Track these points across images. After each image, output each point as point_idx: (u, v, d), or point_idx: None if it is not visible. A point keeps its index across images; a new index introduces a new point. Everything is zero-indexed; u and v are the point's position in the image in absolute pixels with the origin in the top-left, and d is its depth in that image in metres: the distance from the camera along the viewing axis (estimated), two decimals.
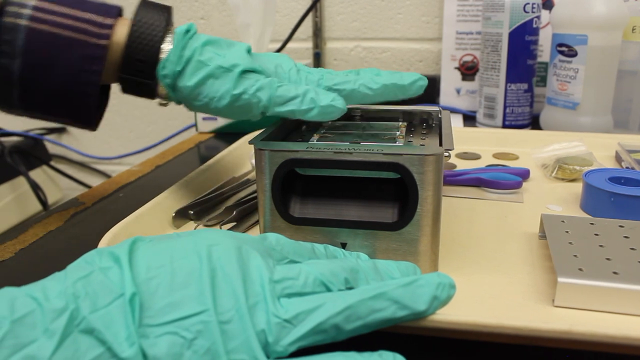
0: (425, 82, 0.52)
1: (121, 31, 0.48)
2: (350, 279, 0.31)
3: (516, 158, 0.70)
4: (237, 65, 0.48)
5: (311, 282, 0.31)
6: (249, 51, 0.50)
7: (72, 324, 0.26)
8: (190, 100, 0.49)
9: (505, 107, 0.86)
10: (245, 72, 0.48)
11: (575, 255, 0.39)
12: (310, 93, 0.47)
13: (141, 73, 0.49)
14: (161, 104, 0.52)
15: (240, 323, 0.28)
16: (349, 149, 0.40)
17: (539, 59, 0.93)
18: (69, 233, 0.54)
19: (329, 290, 0.31)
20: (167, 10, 0.50)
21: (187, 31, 0.49)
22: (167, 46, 0.48)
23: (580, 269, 0.37)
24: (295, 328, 0.29)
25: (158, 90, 0.50)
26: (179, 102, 0.51)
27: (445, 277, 0.31)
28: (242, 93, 0.47)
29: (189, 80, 0.48)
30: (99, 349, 0.26)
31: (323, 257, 0.36)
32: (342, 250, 0.38)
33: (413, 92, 0.51)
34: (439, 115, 0.53)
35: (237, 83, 0.47)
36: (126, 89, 0.51)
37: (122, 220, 0.47)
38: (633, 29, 0.78)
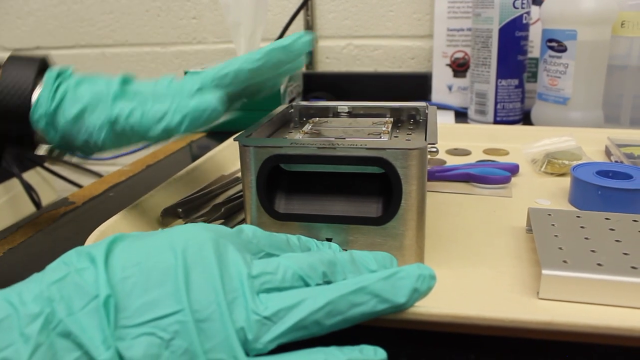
0: (309, 36, 0.48)
1: None
2: (328, 273, 0.31)
3: (506, 153, 0.70)
4: (110, 94, 0.45)
5: (289, 277, 0.30)
6: (124, 81, 0.47)
7: (47, 327, 0.26)
8: (72, 138, 0.46)
9: (496, 103, 0.86)
10: (117, 99, 0.45)
11: (560, 248, 0.39)
12: (174, 104, 0.44)
13: (15, 124, 0.46)
14: (49, 156, 0.49)
15: (219, 321, 0.28)
16: (332, 144, 0.40)
17: (530, 55, 0.93)
18: (59, 233, 0.53)
19: (307, 284, 0.31)
20: (38, 61, 0.48)
21: (60, 74, 0.46)
22: (38, 91, 0.46)
23: (564, 261, 0.37)
24: (275, 325, 0.28)
25: (35, 138, 0.47)
26: (61, 148, 0.48)
27: (425, 269, 0.31)
28: (117, 119, 0.44)
29: (68, 114, 0.45)
30: (76, 352, 0.26)
31: (297, 249, 0.35)
32: (315, 240, 0.37)
33: (298, 49, 0.48)
34: (426, 111, 0.53)
35: (112, 111, 0.45)
36: (5, 147, 0.49)
37: (110, 219, 0.46)
38: (622, 24, 0.78)
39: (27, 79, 0.46)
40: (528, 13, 0.83)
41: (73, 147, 0.47)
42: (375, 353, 0.29)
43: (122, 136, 0.45)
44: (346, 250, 0.36)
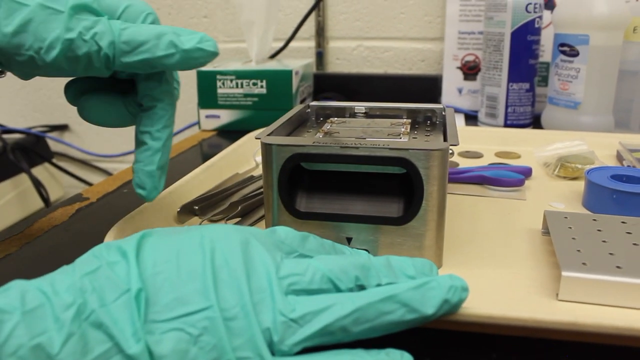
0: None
1: None
2: (361, 277, 0.31)
3: (518, 157, 0.71)
4: (65, 3, 0.37)
5: (318, 279, 0.30)
6: None
7: (79, 317, 0.26)
8: (11, 57, 0.37)
9: (507, 107, 0.86)
10: (77, 10, 0.37)
11: (578, 250, 0.40)
12: (169, 35, 0.38)
13: None
14: None
15: (245, 320, 0.28)
16: (355, 143, 0.40)
17: (541, 59, 0.93)
18: (74, 228, 0.54)
19: (337, 287, 0.30)
20: None
21: None
22: None
23: (583, 263, 0.38)
24: (301, 328, 0.28)
25: None
26: None
27: (458, 280, 0.31)
28: (76, 38, 0.37)
29: (3, 27, 0.36)
30: (108, 343, 0.26)
31: (332, 252, 0.35)
32: (348, 247, 0.37)
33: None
34: (443, 113, 0.53)
35: (69, 25, 0.37)
36: None
37: (127, 215, 0.47)
38: (634, 30, 0.79)
39: None
40: (540, 17, 0.83)
41: (14, 67, 0.39)
42: (402, 357, 0.30)
43: (77, 60, 0.38)
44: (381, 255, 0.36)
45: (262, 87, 0.88)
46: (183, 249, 0.30)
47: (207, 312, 0.28)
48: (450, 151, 0.56)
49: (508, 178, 0.58)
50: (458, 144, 0.40)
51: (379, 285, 0.31)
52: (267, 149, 0.41)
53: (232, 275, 0.29)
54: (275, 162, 0.41)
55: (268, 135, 0.43)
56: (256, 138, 0.42)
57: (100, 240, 0.43)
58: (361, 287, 0.31)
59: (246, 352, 0.28)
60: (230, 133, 0.90)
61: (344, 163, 0.40)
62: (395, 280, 0.32)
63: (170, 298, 0.28)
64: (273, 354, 0.28)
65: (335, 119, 0.54)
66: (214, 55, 0.40)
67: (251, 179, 0.60)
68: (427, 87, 1.04)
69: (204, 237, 0.31)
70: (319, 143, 0.41)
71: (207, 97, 0.91)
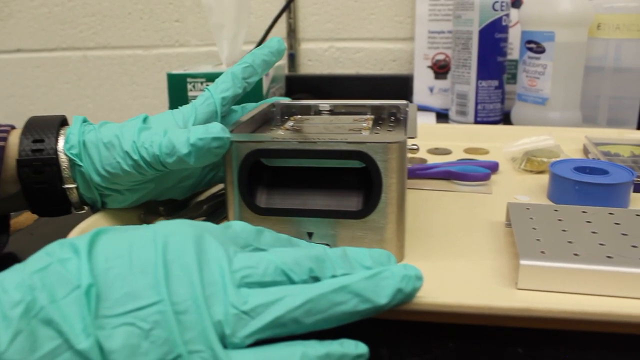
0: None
1: (15, 133, 0.45)
2: (315, 268, 0.31)
3: (486, 152, 0.71)
4: (135, 127, 0.43)
5: (271, 271, 0.30)
6: (145, 120, 0.45)
7: (28, 314, 0.26)
8: (96, 169, 0.43)
9: (476, 104, 0.87)
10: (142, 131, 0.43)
11: (538, 240, 0.40)
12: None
13: (40, 152, 0.43)
14: (75, 205, 0.46)
15: (197, 313, 0.28)
16: (313, 138, 0.40)
17: (510, 57, 0.94)
18: (39, 232, 0.53)
19: (290, 279, 0.30)
20: (59, 117, 0.47)
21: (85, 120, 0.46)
22: (65, 129, 0.45)
23: (542, 252, 0.38)
24: (253, 320, 0.28)
25: (62, 170, 0.44)
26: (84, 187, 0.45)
27: (411, 269, 0.31)
28: (140, 148, 0.42)
29: (101, 136, 0.43)
30: (57, 340, 0.26)
31: (288, 245, 0.35)
32: (306, 241, 0.37)
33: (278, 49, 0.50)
34: (407, 109, 0.53)
35: (139, 139, 0.42)
36: (27, 182, 0.44)
37: (91, 216, 0.46)
38: (598, 26, 0.80)
39: (53, 118, 0.46)
40: (507, 15, 0.84)
41: (94, 182, 0.44)
42: (356, 347, 0.29)
43: (141, 167, 0.42)
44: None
45: None
46: (136, 245, 0.30)
47: (158, 306, 0.27)
48: (415, 146, 0.56)
49: (474, 173, 0.58)
50: (416, 137, 0.40)
51: (334, 276, 0.31)
52: None
53: (183, 269, 0.29)
54: (234, 158, 0.41)
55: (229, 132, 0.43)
56: None
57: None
58: (315, 279, 0.31)
59: (198, 346, 0.27)
60: None
61: (302, 158, 0.40)
62: (351, 271, 0.31)
63: (121, 293, 0.28)
64: (225, 346, 0.28)
65: (299, 116, 0.54)
66: (218, 140, 0.40)
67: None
68: (398, 87, 1.05)
69: (157, 232, 0.30)
70: (277, 139, 0.40)
71: (178, 100, 0.90)
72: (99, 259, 0.29)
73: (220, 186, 0.58)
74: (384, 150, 0.39)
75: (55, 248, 0.30)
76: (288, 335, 0.29)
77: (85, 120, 0.46)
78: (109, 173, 0.43)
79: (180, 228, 0.31)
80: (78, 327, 0.26)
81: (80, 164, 0.43)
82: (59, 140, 0.44)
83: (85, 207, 0.47)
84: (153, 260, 0.29)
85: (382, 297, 0.30)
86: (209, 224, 0.34)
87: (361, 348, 0.30)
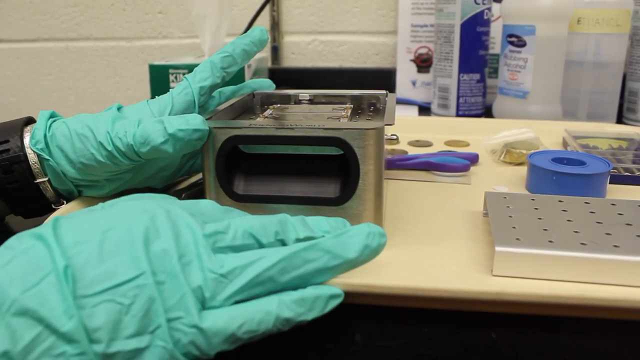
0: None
1: None
2: (280, 231, 0.32)
3: (467, 145, 0.72)
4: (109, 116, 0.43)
5: (240, 235, 0.31)
6: (119, 109, 0.46)
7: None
8: (68, 160, 0.43)
9: (458, 97, 0.87)
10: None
11: (514, 227, 0.40)
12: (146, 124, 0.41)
13: (7, 152, 0.44)
14: (52, 200, 0.46)
15: (175, 282, 0.28)
16: (291, 125, 0.40)
17: (492, 52, 0.94)
18: (12, 223, 0.52)
19: (259, 242, 0.31)
20: (24, 118, 0.47)
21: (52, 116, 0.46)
22: (31, 127, 0.45)
23: (517, 239, 0.38)
24: (231, 282, 0.29)
25: (32, 166, 0.44)
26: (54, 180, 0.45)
27: (374, 227, 0.32)
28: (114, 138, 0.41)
29: (71, 128, 0.43)
30: (37, 327, 0.26)
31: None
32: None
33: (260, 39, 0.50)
34: (386, 99, 0.53)
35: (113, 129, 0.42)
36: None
37: (65, 205, 0.46)
38: (578, 21, 0.80)
39: (16, 121, 0.46)
40: (489, 9, 0.85)
41: (68, 176, 0.44)
42: (329, 289, 0.31)
43: (115, 158, 0.42)
44: None
45: None
46: (104, 225, 0.30)
47: (138, 280, 0.28)
48: (395, 136, 0.56)
49: (453, 163, 0.59)
50: (393, 124, 0.40)
51: (297, 240, 0.32)
52: None
53: (160, 241, 0.29)
54: (212, 145, 0.41)
55: (207, 119, 0.43)
56: None
57: None
58: (282, 242, 0.32)
59: (178, 313, 0.28)
60: None
61: (280, 144, 0.40)
62: (312, 235, 0.33)
63: (96, 273, 0.28)
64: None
65: (278, 105, 0.54)
66: (198, 132, 0.40)
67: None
68: (381, 81, 1.05)
69: (123, 210, 0.31)
70: (255, 125, 0.40)
71: (160, 91, 0.89)
72: (68, 242, 0.28)
73: (199, 175, 0.58)
74: (361, 136, 0.39)
75: (14, 242, 0.29)
76: (265, 294, 0.30)
77: (53, 115, 0.46)
78: (83, 165, 0.43)
79: (146, 203, 0.32)
80: (58, 310, 0.26)
81: (48, 157, 0.43)
82: (24, 138, 0.44)
83: (64, 202, 0.47)
84: (128, 237, 0.29)
85: (351, 252, 0.31)
86: (175, 199, 0.34)
87: (335, 289, 0.31)
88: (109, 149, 0.41)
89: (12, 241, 0.29)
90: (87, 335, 0.26)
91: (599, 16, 0.79)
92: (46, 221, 0.30)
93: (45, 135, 0.44)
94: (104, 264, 0.28)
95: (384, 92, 0.54)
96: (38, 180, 0.44)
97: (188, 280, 0.29)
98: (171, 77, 0.89)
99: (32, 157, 0.44)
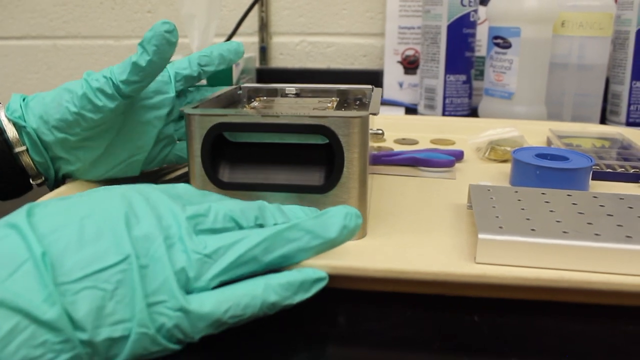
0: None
1: None
2: (260, 216, 0.33)
3: (453, 143, 0.72)
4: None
5: (221, 218, 0.31)
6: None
7: None
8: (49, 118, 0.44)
9: (444, 98, 0.88)
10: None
11: (497, 217, 0.41)
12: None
13: None
14: (31, 173, 0.47)
15: (159, 265, 0.28)
16: (276, 113, 0.40)
17: (478, 54, 0.95)
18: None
19: (239, 225, 0.32)
20: None
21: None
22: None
23: (500, 227, 0.39)
24: (215, 263, 0.29)
25: (8, 136, 0.44)
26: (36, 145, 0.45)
27: (351, 208, 0.33)
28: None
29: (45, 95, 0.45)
30: (15, 317, 0.25)
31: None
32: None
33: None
34: (372, 93, 0.54)
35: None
36: None
37: (49, 193, 0.46)
38: (563, 24, 0.82)
39: None
40: (475, 11, 0.86)
41: (44, 142, 0.45)
42: (314, 272, 0.31)
43: (91, 103, 0.43)
44: None
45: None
46: (82, 212, 0.29)
47: (122, 264, 0.27)
48: (380, 131, 0.57)
49: (438, 159, 0.59)
50: (378, 113, 0.41)
51: (276, 224, 0.33)
52: (189, 119, 0.41)
53: (141, 226, 0.29)
54: (197, 131, 0.41)
55: (193, 107, 0.43)
56: (180, 110, 0.42)
57: None
58: (260, 226, 0.32)
59: (161, 296, 0.28)
60: None
61: (265, 132, 0.40)
62: (288, 221, 0.33)
63: (77, 258, 0.27)
64: (190, 292, 0.29)
65: (265, 98, 0.54)
66: (165, 24, 0.41)
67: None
68: (369, 82, 1.04)
69: (101, 197, 0.30)
70: (240, 113, 0.41)
71: None
72: (44, 230, 0.28)
73: (183, 169, 0.58)
74: (346, 124, 0.39)
75: None
76: (248, 274, 0.31)
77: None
78: (58, 122, 0.43)
79: (123, 189, 0.32)
80: (38, 298, 0.25)
81: (24, 123, 0.44)
82: (0, 111, 0.45)
83: (43, 177, 0.47)
84: (108, 223, 0.28)
85: (331, 232, 0.32)
86: (152, 185, 0.34)
87: (319, 272, 0.32)
88: (83, 90, 0.42)
89: None
90: (70, 323, 0.26)
91: (583, 19, 0.81)
92: (19, 209, 0.29)
93: (20, 106, 0.45)
94: (84, 249, 0.27)
95: (369, 87, 0.55)
96: (17, 150, 0.45)
97: (172, 263, 0.28)
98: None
99: (8, 127, 0.44)
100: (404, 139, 0.73)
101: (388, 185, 0.55)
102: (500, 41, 0.82)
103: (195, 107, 0.43)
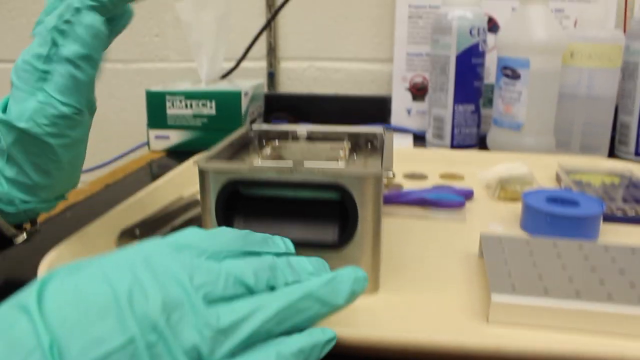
0: None
1: None
2: (272, 278, 0.32)
3: (462, 178, 0.72)
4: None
5: (232, 284, 0.30)
6: None
7: None
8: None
9: (453, 128, 0.88)
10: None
11: (509, 273, 0.41)
12: None
13: None
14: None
15: (165, 344, 0.27)
16: (291, 169, 0.40)
17: (486, 81, 0.95)
18: (13, 254, 0.52)
19: (251, 290, 0.31)
20: None
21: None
22: None
23: (513, 287, 0.39)
24: (230, 338, 0.28)
25: None
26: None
27: (359, 271, 0.33)
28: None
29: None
30: None
31: (240, 245, 0.34)
32: (267, 235, 0.37)
33: None
34: (383, 136, 0.54)
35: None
36: None
37: (65, 240, 0.46)
38: (572, 55, 0.82)
39: None
40: (484, 41, 0.86)
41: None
42: (323, 333, 0.31)
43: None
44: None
45: (211, 108, 0.88)
46: (87, 286, 0.28)
47: (128, 346, 0.26)
48: (391, 174, 0.57)
49: (449, 200, 0.59)
50: (392, 170, 0.41)
51: (286, 284, 0.32)
52: (203, 174, 0.41)
53: (145, 299, 0.28)
54: (212, 187, 0.41)
55: (206, 160, 0.44)
56: (194, 163, 0.42)
57: (36, 267, 0.42)
58: (271, 287, 0.32)
59: None
60: (179, 154, 0.90)
61: (280, 188, 0.41)
62: (299, 278, 0.33)
63: (83, 341, 0.26)
64: None
65: (276, 142, 0.55)
66: None
67: (196, 203, 0.60)
68: (376, 108, 1.06)
69: (105, 268, 0.29)
70: (255, 169, 0.41)
71: (157, 117, 0.90)
72: (52, 311, 0.27)
73: (196, 211, 0.58)
74: (360, 182, 0.39)
75: (1, 314, 0.28)
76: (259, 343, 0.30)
77: None
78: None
79: (128, 257, 0.30)
80: None
81: None
82: None
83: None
84: (111, 299, 0.27)
85: (340, 299, 0.32)
86: (160, 242, 0.32)
87: (329, 333, 0.31)
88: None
89: None
90: None
91: (592, 51, 0.81)
92: (31, 287, 0.28)
93: None
94: (89, 331, 0.26)
95: (380, 129, 0.55)
96: None
97: (181, 340, 0.27)
98: (168, 104, 0.89)
99: None
100: (413, 173, 0.74)
101: (398, 228, 0.55)
102: (510, 72, 0.82)
103: (209, 160, 0.44)
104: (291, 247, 0.36)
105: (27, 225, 0.48)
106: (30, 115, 0.43)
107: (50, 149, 0.44)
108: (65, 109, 0.44)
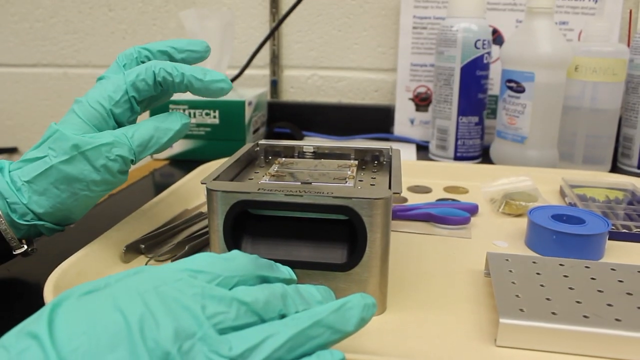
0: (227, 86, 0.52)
1: None
2: (283, 307, 0.32)
3: (466, 192, 0.72)
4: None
5: (243, 314, 0.30)
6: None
7: None
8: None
9: (457, 139, 0.88)
10: None
11: (517, 296, 0.41)
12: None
13: None
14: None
15: None
16: (299, 190, 0.40)
17: (490, 92, 0.96)
18: (14, 270, 0.52)
19: (262, 319, 0.31)
20: None
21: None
22: None
23: (521, 310, 0.39)
24: None
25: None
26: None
27: (368, 298, 0.33)
28: None
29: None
30: None
31: (253, 270, 0.35)
32: (273, 263, 0.37)
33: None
34: (390, 153, 0.54)
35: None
36: None
37: (71, 257, 0.46)
38: (576, 68, 0.82)
39: None
40: (489, 53, 0.86)
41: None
42: (332, 356, 0.31)
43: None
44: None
45: (214, 117, 0.88)
46: (98, 315, 0.28)
47: None
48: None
49: (454, 216, 0.59)
50: (401, 192, 0.41)
51: (296, 312, 0.32)
52: (211, 195, 0.41)
53: (157, 328, 0.28)
54: (220, 208, 0.41)
55: (214, 179, 0.44)
56: (201, 183, 0.42)
57: (42, 282, 0.42)
58: (282, 316, 0.32)
59: None
60: (182, 162, 0.90)
61: (288, 210, 0.41)
62: (308, 306, 0.33)
63: None
64: None
65: (283, 159, 0.54)
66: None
67: (200, 216, 0.60)
68: (380, 117, 1.06)
69: (116, 296, 0.29)
70: (263, 190, 0.41)
71: None
72: (63, 340, 0.27)
73: (201, 224, 0.58)
74: (369, 205, 0.39)
75: (11, 340, 0.28)
76: None
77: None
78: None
79: (139, 285, 0.30)
80: None
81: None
82: None
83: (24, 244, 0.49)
84: (122, 329, 0.27)
85: (350, 326, 0.32)
86: (171, 268, 0.32)
87: (337, 355, 0.31)
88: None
89: (9, 339, 0.28)
90: None
91: (596, 65, 0.81)
92: (42, 313, 0.29)
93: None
94: None
95: (387, 147, 0.55)
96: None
97: None
98: None
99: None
100: (417, 186, 0.74)
101: (404, 244, 0.55)
102: (514, 85, 0.82)
103: (217, 179, 0.44)
104: (294, 275, 0.37)
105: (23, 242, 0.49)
106: None
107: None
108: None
